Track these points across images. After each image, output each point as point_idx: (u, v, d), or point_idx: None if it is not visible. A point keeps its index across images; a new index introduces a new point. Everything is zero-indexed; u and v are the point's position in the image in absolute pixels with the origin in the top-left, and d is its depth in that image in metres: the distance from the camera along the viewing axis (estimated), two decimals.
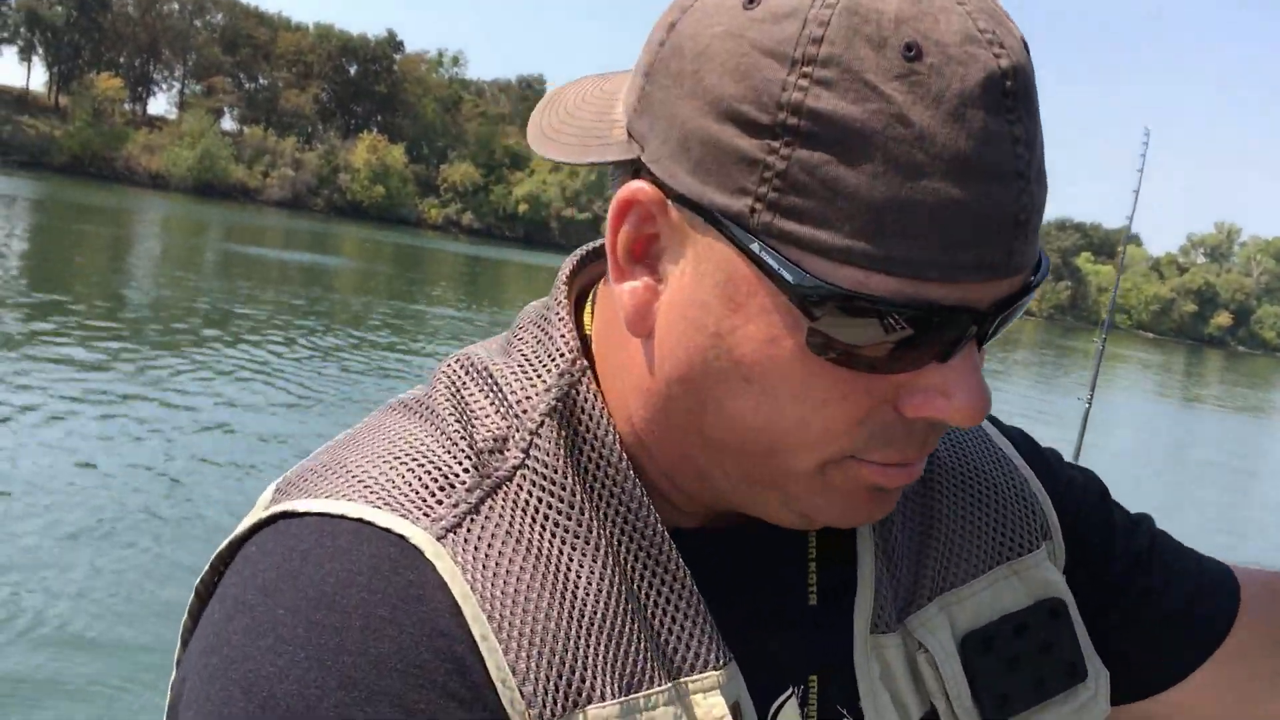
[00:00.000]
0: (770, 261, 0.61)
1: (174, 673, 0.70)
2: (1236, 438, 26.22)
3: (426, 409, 0.74)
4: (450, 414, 0.73)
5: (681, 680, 0.69)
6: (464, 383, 0.75)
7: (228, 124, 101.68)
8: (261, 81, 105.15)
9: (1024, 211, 0.61)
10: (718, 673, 0.69)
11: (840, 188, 0.59)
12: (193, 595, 0.72)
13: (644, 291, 0.68)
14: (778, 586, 0.77)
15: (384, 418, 0.75)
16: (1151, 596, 0.90)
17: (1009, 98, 0.60)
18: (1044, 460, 0.92)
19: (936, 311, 0.61)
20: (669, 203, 0.65)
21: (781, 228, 0.60)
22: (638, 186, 0.65)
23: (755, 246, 0.61)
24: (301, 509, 0.68)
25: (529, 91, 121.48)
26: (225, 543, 0.71)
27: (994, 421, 0.93)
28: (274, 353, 14.46)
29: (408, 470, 0.69)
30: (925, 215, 0.59)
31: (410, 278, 35.27)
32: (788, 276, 0.61)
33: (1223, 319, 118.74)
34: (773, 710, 0.74)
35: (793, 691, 0.75)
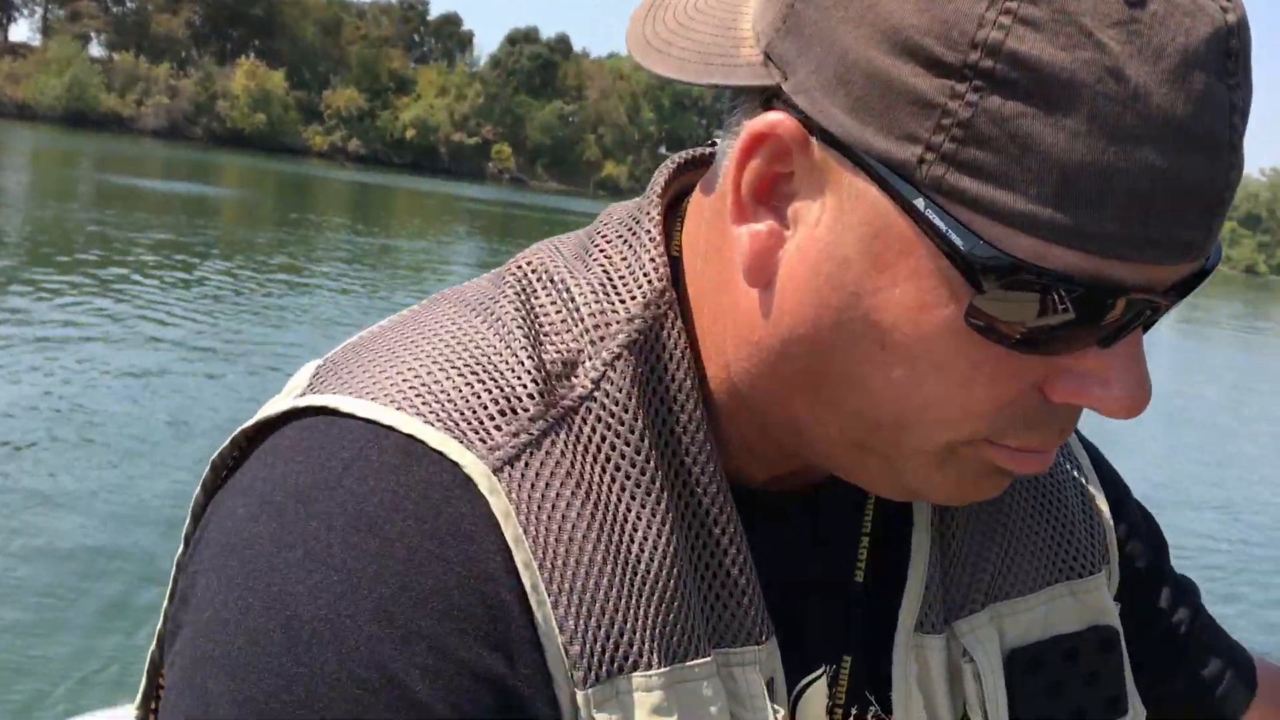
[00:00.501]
0: (937, 221, 0.54)
1: (181, 549, 0.65)
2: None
3: (490, 313, 0.67)
4: (518, 325, 0.66)
5: (723, 650, 0.64)
6: (534, 290, 0.68)
7: (96, 50, 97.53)
8: (129, 4, 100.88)
9: (1230, 189, 0.55)
10: (758, 648, 0.65)
11: (1033, 144, 0.52)
12: (208, 469, 0.66)
13: (768, 237, 0.60)
14: (828, 558, 0.73)
15: (443, 310, 0.68)
16: (1182, 663, 0.89)
17: (1232, 59, 0.54)
18: (1115, 484, 0.88)
19: (1116, 292, 0.55)
20: (813, 140, 0.57)
21: (954, 184, 0.53)
22: (777, 119, 0.58)
23: (920, 202, 0.54)
24: (346, 408, 0.62)
25: (410, 13, 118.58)
26: (253, 420, 0.65)
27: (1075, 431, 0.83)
28: (156, 280, 14.17)
29: (466, 384, 0.63)
30: (1127, 185, 0.52)
31: (296, 205, 34.45)
32: (958, 241, 0.54)
33: None
34: (800, 685, 0.70)
35: (824, 671, 0.71)
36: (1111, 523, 0.84)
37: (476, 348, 0.64)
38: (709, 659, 0.63)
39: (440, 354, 0.64)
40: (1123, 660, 0.79)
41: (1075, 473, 0.83)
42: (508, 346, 0.64)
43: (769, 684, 0.65)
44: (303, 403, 0.63)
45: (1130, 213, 0.53)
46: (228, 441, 0.66)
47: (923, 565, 0.73)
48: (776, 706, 0.65)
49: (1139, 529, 0.89)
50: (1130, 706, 0.79)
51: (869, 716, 0.72)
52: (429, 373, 0.63)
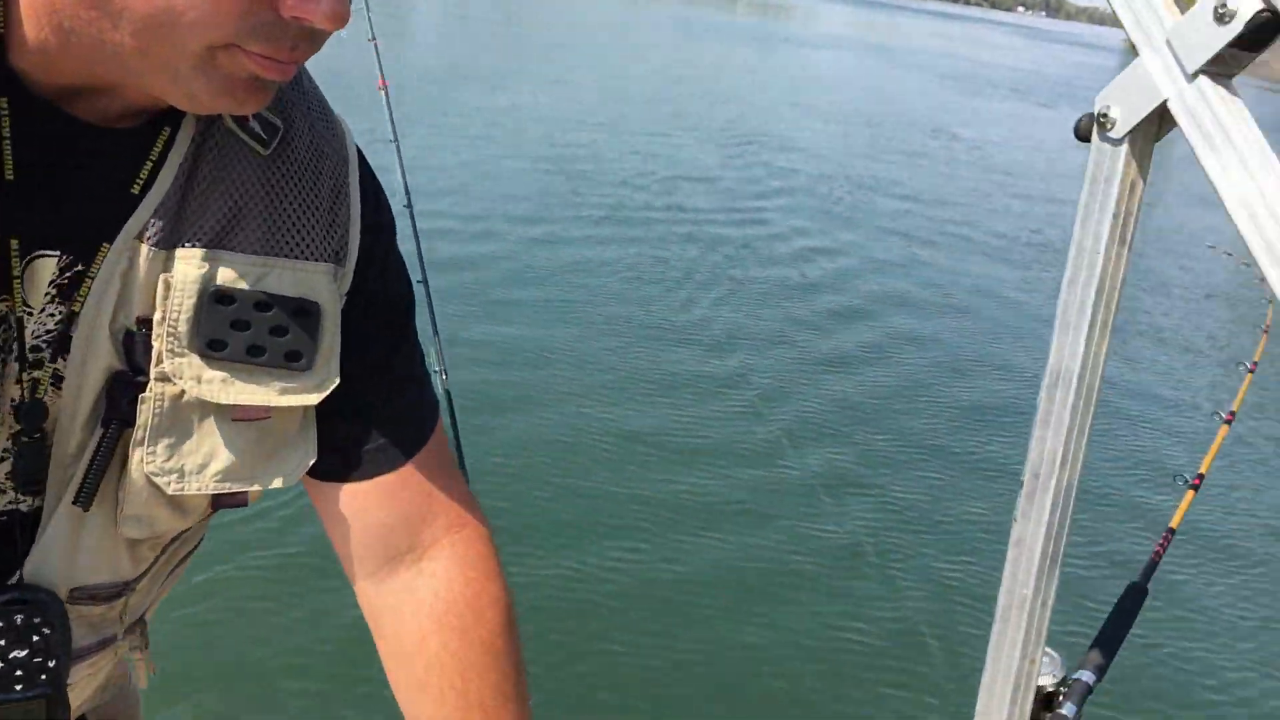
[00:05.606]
0: None
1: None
2: None
3: None
4: None
5: None
6: None
7: None
8: None
9: None
10: None
11: None
12: None
13: None
14: (110, 174, 0.85)
15: None
16: (385, 386, 1.02)
17: None
18: (380, 223, 1.01)
19: None
20: None
21: None
22: None
23: None
24: None
25: None
26: None
27: (366, 166, 1.02)
28: None
29: None
30: None
31: None
32: None
33: None
34: (29, 258, 0.83)
35: (60, 254, 0.84)
36: (358, 242, 0.97)
37: None
38: None
39: None
40: (318, 331, 0.93)
41: (343, 187, 0.97)
42: None
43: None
44: None
45: None
46: None
47: (160, 195, 0.87)
48: None
49: (390, 268, 1.03)
50: (316, 367, 0.93)
51: (73, 277, 0.85)
52: None
